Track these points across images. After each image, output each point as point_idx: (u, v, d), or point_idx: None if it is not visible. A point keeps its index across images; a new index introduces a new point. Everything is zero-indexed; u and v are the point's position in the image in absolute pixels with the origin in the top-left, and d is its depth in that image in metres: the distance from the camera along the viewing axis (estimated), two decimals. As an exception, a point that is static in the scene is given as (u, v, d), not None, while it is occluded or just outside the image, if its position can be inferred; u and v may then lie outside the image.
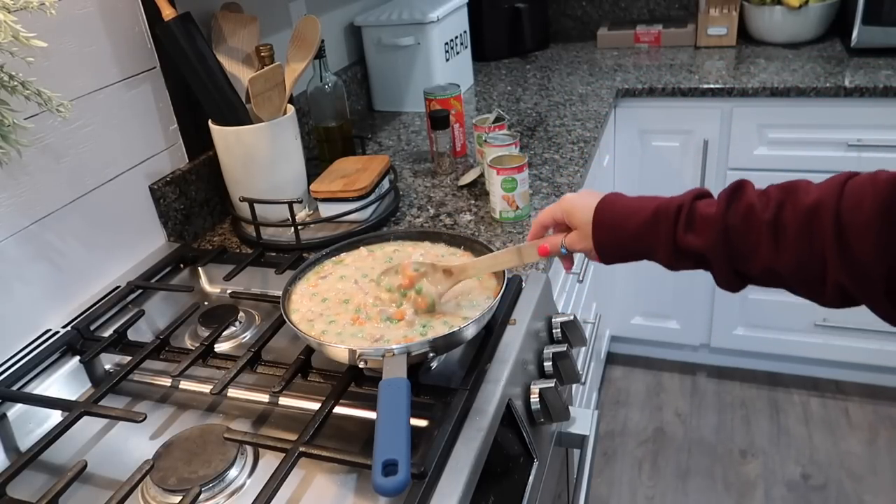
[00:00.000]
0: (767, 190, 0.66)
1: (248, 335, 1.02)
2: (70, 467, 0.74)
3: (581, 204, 0.78)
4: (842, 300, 0.63)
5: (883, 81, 1.68)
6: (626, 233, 0.74)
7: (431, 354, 0.80)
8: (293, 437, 0.75)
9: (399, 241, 1.00)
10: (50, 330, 0.99)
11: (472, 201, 1.30)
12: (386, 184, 1.28)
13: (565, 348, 0.94)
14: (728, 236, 0.67)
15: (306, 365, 0.86)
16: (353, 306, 0.87)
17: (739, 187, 0.68)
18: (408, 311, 0.84)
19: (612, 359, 2.34)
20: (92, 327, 1.00)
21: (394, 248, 0.99)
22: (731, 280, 0.70)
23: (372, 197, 1.21)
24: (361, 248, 1.00)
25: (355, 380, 0.83)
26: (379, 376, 0.73)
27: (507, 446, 0.80)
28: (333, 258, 0.98)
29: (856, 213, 0.58)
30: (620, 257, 0.77)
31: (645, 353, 2.33)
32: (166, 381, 0.93)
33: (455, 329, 0.79)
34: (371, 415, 0.80)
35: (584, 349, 1.49)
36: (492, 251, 0.92)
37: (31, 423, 0.88)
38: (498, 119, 1.36)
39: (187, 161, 1.26)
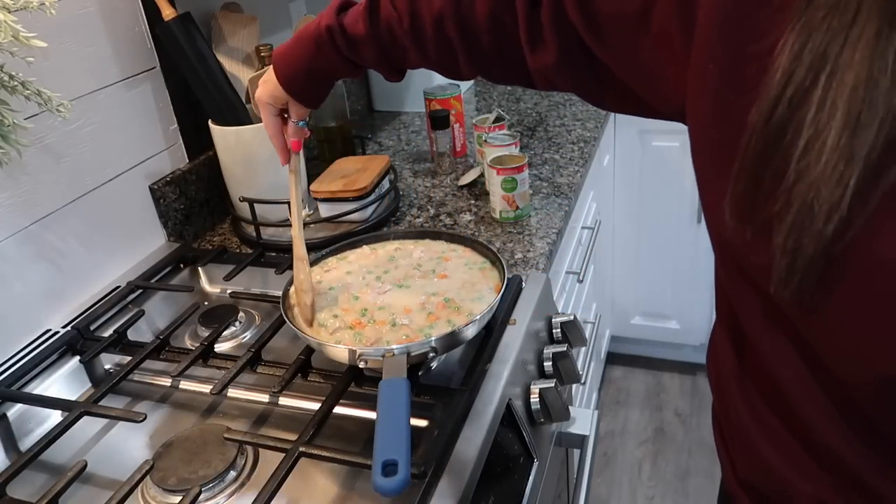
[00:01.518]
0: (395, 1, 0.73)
1: (248, 335, 1.02)
2: (70, 467, 0.74)
3: (272, 85, 0.82)
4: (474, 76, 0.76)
5: (883, 81, 1.67)
6: (305, 70, 0.79)
7: (431, 354, 0.80)
8: (293, 437, 0.75)
9: (399, 241, 1.00)
10: (50, 330, 0.99)
11: (472, 201, 1.30)
12: (386, 184, 1.28)
13: (565, 348, 0.95)
14: (382, 48, 0.75)
15: (306, 365, 0.86)
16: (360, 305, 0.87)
17: (370, 4, 0.74)
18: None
19: (612, 359, 2.34)
20: (92, 327, 1.00)
21: (395, 246, 0.99)
22: (396, 76, 0.80)
23: (372, 197, 1.21)
24: (364, 247, 1.00)
25: (355, 380, 0.83)
26: (379, 376, 0.73)
27: (507, 446, 0.80)
28: (337, 255, 0.99)
29: (471, 16, 0.68)
30: (318, 93, 0.82)
31: (645, 353, 2.33)
32: (166, 381, 0.93)
33: (455, 329, 0.79)
34: (371, 415, 0.80)
35: (584, 349, 1.49)
36: (492, 250, 0.93)
37: (31, 423, 0.88)
38: (498, 119, 1.36)
39: (187, 161, 1.26)
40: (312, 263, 0.95)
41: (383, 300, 0.87)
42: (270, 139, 0.86)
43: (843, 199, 0.36)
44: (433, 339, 0.77)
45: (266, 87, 0.82)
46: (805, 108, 0.37)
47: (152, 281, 1.11)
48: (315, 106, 0.84)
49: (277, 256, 1.14)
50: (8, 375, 0.90)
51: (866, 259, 0.38)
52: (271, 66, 0.82)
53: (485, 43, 0.69)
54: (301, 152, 0.89)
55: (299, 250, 0.88)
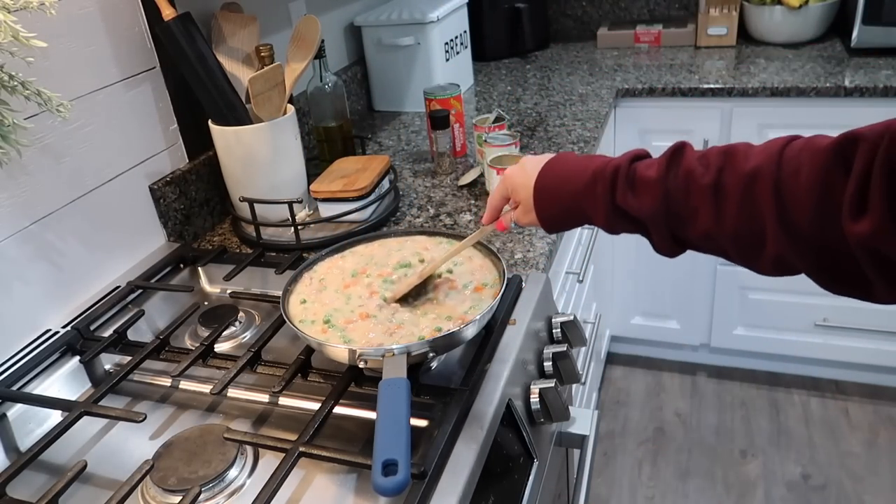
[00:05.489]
0: (707, 153, 0.66)
1: (248, 335, 1.02)
2: (70, 467, 0.74)
3: (522, 181, 0.79)
4: (778, 269, 0.63)
5: (883, 81, 1.68)
6: (564, 198, 0.75)
7: (431, 354, 0.80)
8: (293, 437, 0.75)
9: (402, 237, 1.01)
10: (50, 330, 0.99)
11: (472, 201, 1.30)
12: (386, 184, 1.28)
13: (565, 348, 0.94)
14: (668, 200, 0.66)
15: (306, 365, 0.86)
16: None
17: (679, 150, 0.68)
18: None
19: (612, 359, 2.34)
20: (92, 327, 1.00)
21: (397, 242, 0.99)
22: (670, 245, 0.69)
23: (372, 197, 1.21)
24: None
25: (355, 380, 0.83)
26: (379, 376, 0.73)
27: (507, 446, 0.80)
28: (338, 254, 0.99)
29: (793, 182, 0.58)
30: (561, 224, 0.78)
31: (645, 353, 2.33)
32: (166, 381, 0.93)
33: (455, 329, 0.79)
34: (371, 415, 0.80)
35: (584, 349, 1.49)
36: (492, 250, 0.93)
37: (31, 423, 0.88)
38: (498, 119, 1.36)
39: (187, 161, 1.26)
40: (307, 268, 0.95)
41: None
42: (488, 203, 0.85)
43: None
44: (433, 339, 0.77)
45: (517, 174, 0.80)
46: None
47: (152, 281, 1.11)
48: (548, 230, 0.79)
49: (277, 256, 1.14)
50: (8, 375, 0.90)
51: None
52: (545, 157, 0.78)
53: (803, 209, 0.58)
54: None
55: (430, 268, 0.87)
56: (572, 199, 0.74)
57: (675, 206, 0.66)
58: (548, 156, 0.79)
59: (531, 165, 0.79)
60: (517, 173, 0.80)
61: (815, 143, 0.59)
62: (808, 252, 0.59)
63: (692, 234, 0.66)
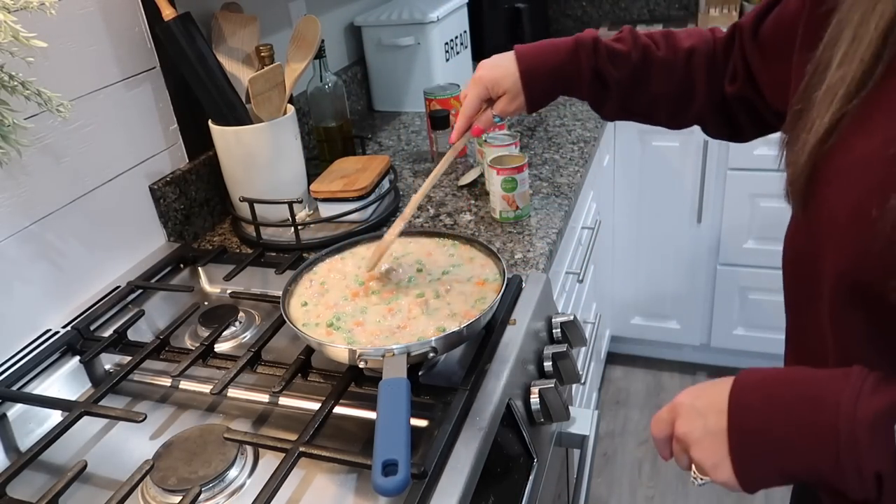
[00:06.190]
0: (651, 35, 0.86)
1: (248, 335, 1.02)
2: (70, 467, 0.74)
3: (501, 73, 0.87)
4: (693, 122, 0.88)
5: (883, 81, 1.67)
6: (550, 72, 0.86)
7: (431, 354, 0.80)
8: (293, 437, 0.75)
9: (402, 237, 1.00)
10: (50, 330, 0.99)
11: (472, 201, 1.30)
12: (386, 184, 1.28)
13: (565, 348, 0.95)
14: (634, 70, 0.84)
15: (306, 365, 0.86)
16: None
17: (632, 30, 0.86)
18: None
19: (612, 359, 2.34)
20: (92, 327, 1.00)
21: (399, 243, 0.99)
22: (617, 112, 0.88)
23: (372, 197, 1.21)
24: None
25: (355, 380, 0.83)
26: (379, 376, 0.73)
27: (507, 446, 0.80)
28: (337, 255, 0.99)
29: (715, 56, 0.83)
30: (546, 97, 0.89)
31: (645, 353, 2.33)
32: (166, 381, 0.93)
33: (454, 329, 0.79)
34: (371, 415, 0.80)
35: (584, 349, 1.49)
36: (492, 251, 0.93)
37: (31, 423, 0.88)
38: (498, 119, 1.36)
39: (187, 161, 1.26)
40: (308, 268, 0.95)
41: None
42: (459, 114, 0.89)
43: (828, 122, 0.53)
44: (433, 339, 0.77)
45: (493, 71, 0.87)
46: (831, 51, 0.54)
47: (152, 281, 1.11)
48: (532, 109, 0.89)
49: (277, 256, 1.14)
50: (8, 375, 0.90)
51: (833, 167, 0.54)
52: (505, 54, 0.86)
53: (720, 75, 0.83)
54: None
55: (406, 211, 0.89)
56: (557, 69, 0.86)
57: (638, 74, 0.84)
58: (502, 54, 0.88)
59: (499, 59, 0.87)
60: (490, 72, 0.87)
61: (718, 32, 0.85)
62: (715, 105, 0.84)
63: (643, 99, 0.86)
